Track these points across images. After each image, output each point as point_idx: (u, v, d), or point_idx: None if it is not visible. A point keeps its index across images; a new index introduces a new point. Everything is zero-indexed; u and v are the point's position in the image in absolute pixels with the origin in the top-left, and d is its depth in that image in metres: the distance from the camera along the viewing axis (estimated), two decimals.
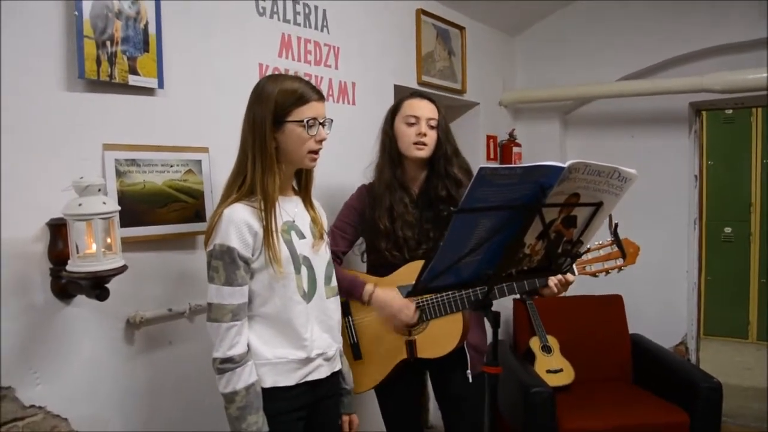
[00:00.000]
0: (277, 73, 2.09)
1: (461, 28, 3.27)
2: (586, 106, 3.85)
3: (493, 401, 1.39)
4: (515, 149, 3.69)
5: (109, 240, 1.45)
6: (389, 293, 1.87)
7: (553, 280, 1.77)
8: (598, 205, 1.29)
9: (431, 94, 2.17)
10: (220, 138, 1.86)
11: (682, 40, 3.37)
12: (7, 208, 1.42)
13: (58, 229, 1.48)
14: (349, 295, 1.90)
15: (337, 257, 1.99)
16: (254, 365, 1.46)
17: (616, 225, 1.52)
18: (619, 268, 1.76)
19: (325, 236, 1.64)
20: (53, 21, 1.51)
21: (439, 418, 2.32)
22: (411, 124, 1.94)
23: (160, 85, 1.73)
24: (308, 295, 1.54)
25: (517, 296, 3.23)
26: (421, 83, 2.93)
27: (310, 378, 1.54)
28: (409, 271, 1.87)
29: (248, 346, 1.46)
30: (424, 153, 1.93)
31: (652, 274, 3.27)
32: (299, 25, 2.24)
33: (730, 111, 4.93)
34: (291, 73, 2.00)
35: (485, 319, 1.41)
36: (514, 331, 3.43)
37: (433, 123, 1.95)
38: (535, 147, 3.80)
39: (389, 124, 2.01)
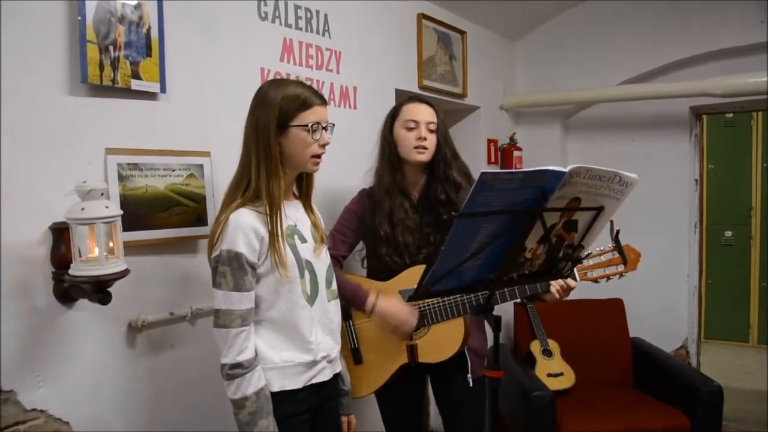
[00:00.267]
0: (279, 77, 2.10)
1: (462, 33, 3.27)
2: (586, 110, 3.85)
3: (494, 405, 1.39)
4: (516, 153, 3.70)
5: (111, 244, 1.45)
6: (393, 304, 1.85)
7: (555, 286, 1.77)
8: (599, 210, 1.30)
9: (429, 98, 2.18)
10: (222, 142, 1.86)
11: (682, 43, 3.38)
12: (10, 212, 1.42)
13: (60, 233, 1.48)
14: (351, 304, 1.89)
15: (338, 261, 1.99)
16: (262, 369, 1.46)
17: (618, 231, 1.53)
18: (620, 274, 1.77)
19: (326, 240, 1.65)
20: (55, 23, 1.51)
21: (439, 422, 2.32)
22: (411, 129, 1.94)
23: (163, 89, 1.73)
24: (311, 299, 1.55)
25: (519, 300, 3.23)
26: (422, 87, 2.93)
27: (315, 380, 1.55)
28: (410, 276, 1.88)
29: (256, 351, 1.46)
30: (424, 157, 1.94)
31: (652, 277, 3.26)
32: (301, 29, 2.25)
33: (731, 115, 4.94)
34: (293, 77, 2.00)
35: (486, 323, 1.41)
36: (515, 335, 3.43)
37: (433, 126, 1.95)
38: (536, 151, 3.81)
39: (388, 130, 2.01)
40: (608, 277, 1.77)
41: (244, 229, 1.43)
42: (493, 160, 3.63)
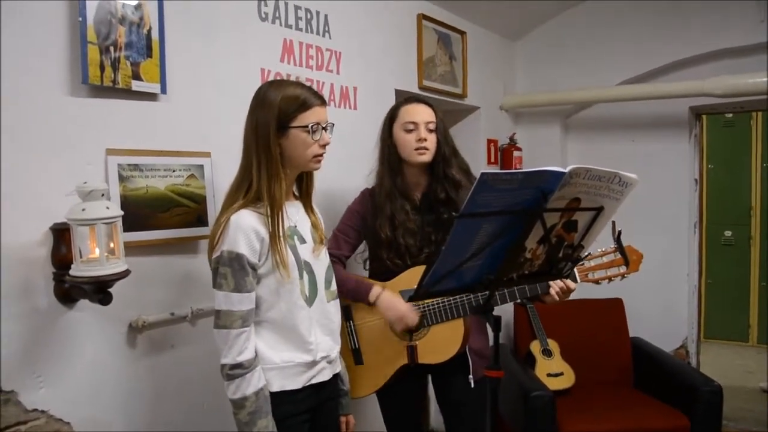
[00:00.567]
0: (278, 78, 2.10)
1: (462, 33, 3.28)
2: (586, 110, 3.86)
3: (494, 405, 1.39)
4: (516, 153, 3.70)
5: (112, 244, 1.45)
6: (395, 296, 1.87)
7: (554, 288, 1.77)
8: (598, 210, 1.30)
9: (427, 97, 2.17)
10: (223, 143, 1.87)
11: (682, 44, 3.38)
12: (10, 212, 1.42)
13: (61, 233, 1.48)
14: (355, 296, 1.90)
15: (340, 261, 1.99)
16: (262, 370, 1.47)
17: (620, 232, 1.52)
18: (622, 276, 1.75)
19: (325, 240, 1.65)
20: (56, 24, 1.51)
21: (440, 421, 2.32)
22: (410, 131, 1.93)
23: (163, 90, 1.73)
24: (310, 300, 1.55)
25: (518, 300, 3.23)
26: (422, 87, 2.93)
27: (314, 381, 1.56)
28: (411, 276, 1.88)
29: (256, 351, 1.47)
30: (426, 157, 1.93)
31: (652, 277, 3.25)
32: (301, 30, 2.25)
33: (731, 115, 4.94)
34: (293, 78, 2.00)
35: (486, 323, 1.41)
36: (515, 335, 3.43)
37: (432, 126, 1.94)
38: (536, 151, 3.81)
39: (387, 132, 1.99)
40: (610, 279, 1.77)
41: (245, 230, 1.43)
42: (493, 160, 3.63)
